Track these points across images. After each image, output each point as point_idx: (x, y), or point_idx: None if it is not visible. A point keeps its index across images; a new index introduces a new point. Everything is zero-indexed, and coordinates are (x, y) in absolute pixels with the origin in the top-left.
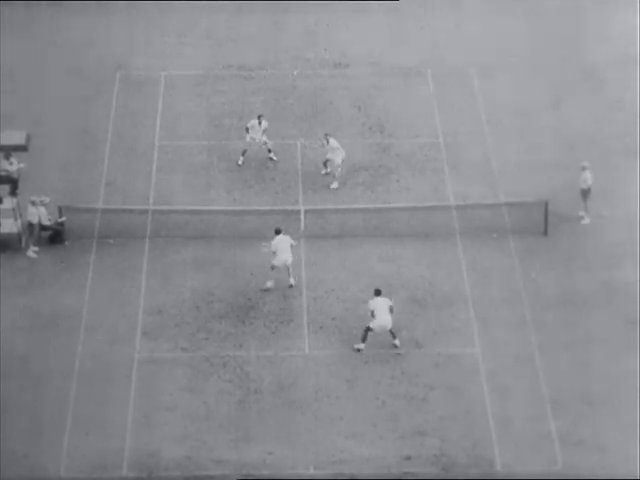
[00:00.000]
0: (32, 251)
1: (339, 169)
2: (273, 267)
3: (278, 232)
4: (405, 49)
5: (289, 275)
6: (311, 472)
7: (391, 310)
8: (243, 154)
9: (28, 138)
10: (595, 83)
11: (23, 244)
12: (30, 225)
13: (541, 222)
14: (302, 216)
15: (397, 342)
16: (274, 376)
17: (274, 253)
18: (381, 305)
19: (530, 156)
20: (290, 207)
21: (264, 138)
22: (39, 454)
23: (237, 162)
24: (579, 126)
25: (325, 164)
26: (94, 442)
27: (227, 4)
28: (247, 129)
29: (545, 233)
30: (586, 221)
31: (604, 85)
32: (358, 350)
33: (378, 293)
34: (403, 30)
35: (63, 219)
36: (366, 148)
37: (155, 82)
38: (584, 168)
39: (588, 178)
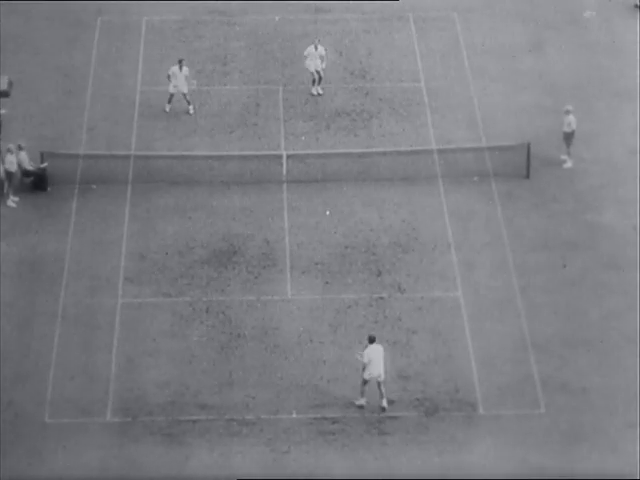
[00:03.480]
0: (12, 201)
1: (315, 74)
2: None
3: (372, 340)
4: None
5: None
6: (294, 416)
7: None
8: (169, 101)
9: (10, 84)
10: (578, 26)
11: (5, 190)
12: (8, 174)
13: (523, 165)
14: (284, 161)
15: (385, 403)
16: (257, 321)
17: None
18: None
19: (512, 100)
20: (272, 152)
21: (185, 89)
22: (23, 400)
23: (164, 109)
24: (562, 70)
25: (314, 82)
26: (78, 387)
27: None
28: (168, 76)
29: (527, 176)
30: (568, 164)
31: (587, 28)
32: (360, 407)
33: (372, 340)
34: None
35: (45, 165)
36: (348, 93)
37: (136, 27)
38: (568, 111)
39: (572, 122)
